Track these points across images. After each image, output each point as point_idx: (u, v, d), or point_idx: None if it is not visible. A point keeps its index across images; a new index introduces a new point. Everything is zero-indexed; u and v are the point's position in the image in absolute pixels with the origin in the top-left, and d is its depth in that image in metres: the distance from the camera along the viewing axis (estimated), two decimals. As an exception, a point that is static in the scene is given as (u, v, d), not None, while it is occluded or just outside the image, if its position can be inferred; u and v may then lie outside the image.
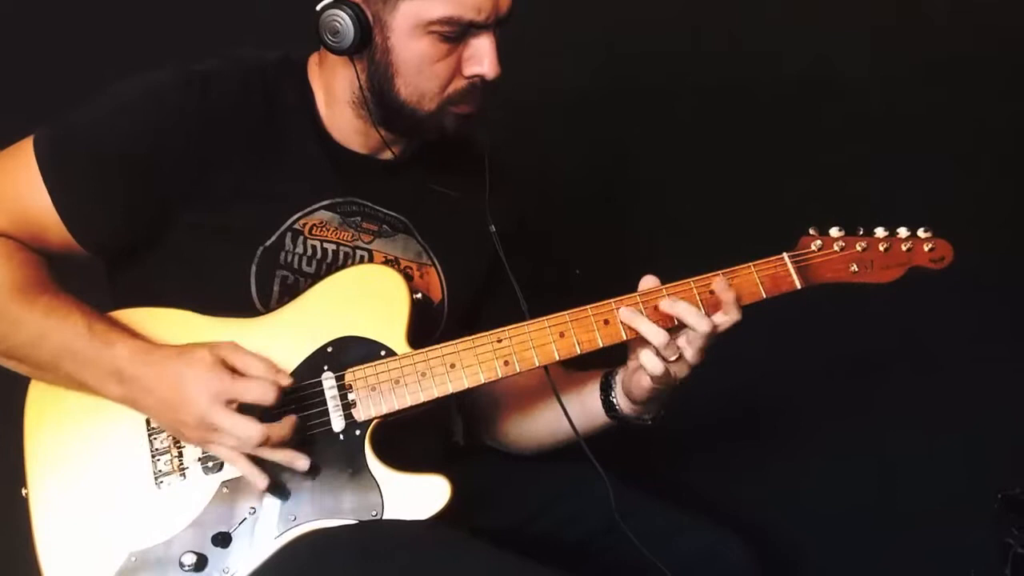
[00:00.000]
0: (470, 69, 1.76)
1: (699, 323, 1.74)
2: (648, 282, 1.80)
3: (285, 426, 1.66)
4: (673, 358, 1.76)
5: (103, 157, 1.73)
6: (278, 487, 1.68)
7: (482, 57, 1.74)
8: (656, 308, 1.77)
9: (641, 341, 1.77)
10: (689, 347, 1.76)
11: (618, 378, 1.89)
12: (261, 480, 1.66)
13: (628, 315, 1.76)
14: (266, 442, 1.63)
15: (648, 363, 1.75)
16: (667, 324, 1.76)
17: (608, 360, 1.88)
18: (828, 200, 2.52)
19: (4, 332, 1.70)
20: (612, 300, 1.78)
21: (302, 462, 1.67)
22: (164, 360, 1.66)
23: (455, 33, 1.72)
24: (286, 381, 1.67)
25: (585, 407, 1.92)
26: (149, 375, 1.65)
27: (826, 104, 2.71)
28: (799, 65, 2.71)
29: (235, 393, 1.63)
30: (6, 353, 1.72)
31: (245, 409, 1.64)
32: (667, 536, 1.90)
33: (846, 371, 2.66)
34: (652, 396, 1.83)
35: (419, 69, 1.75)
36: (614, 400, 1.89)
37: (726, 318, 1.76)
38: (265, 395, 1.63)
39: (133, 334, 1.70)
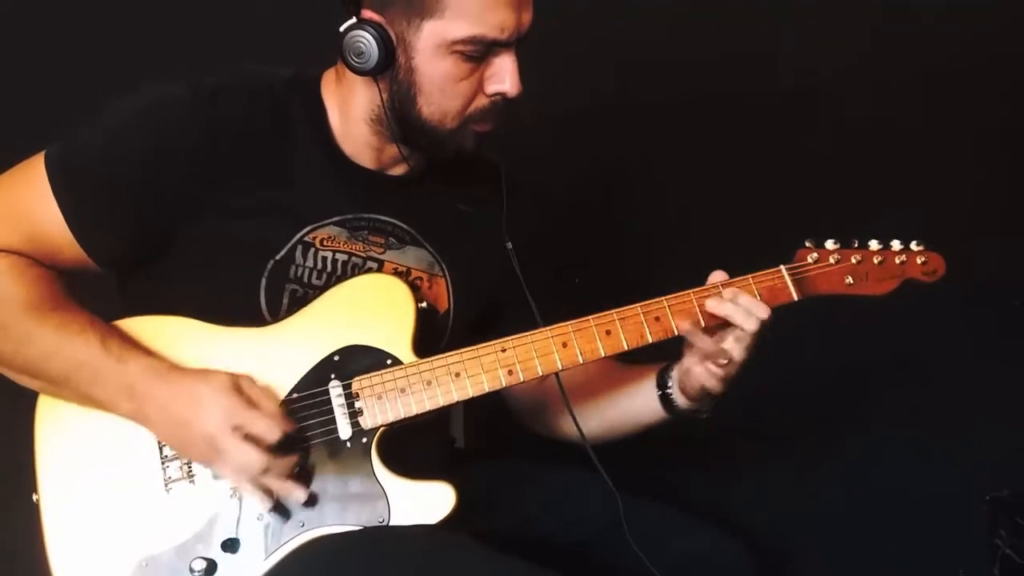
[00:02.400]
0: (492, 87, 1.76)
1: (746, 321, 1.77)
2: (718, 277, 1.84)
3: (287, 462, 1.69)
4: (724, 361, 1.79)
5: (112, 174, 1.74)
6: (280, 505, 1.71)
7: (504, 75, 1.75)
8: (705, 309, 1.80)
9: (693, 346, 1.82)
10: (737, 345, 1.79)
11: (674, 374, 1.90)
12: (266, 501, 1.68)
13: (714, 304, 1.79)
14: (266, 472, 1.66)
15: (732, 348, 1.79)
16: (711, 324, 1.80)
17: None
18: (824, 213, 2.51)
19: (16, 347, 1.71)
20: (614, 311, 1.80)
21: (299, 493, 1.69)
22: (181, 378, 1.68)
23: (478, 52, 1.73)
24: (291, 426, 1.69)
25: (643, 402, 1.93)
26: (162, 391, 1.67)
27: (821, 119, 2.73)
28: (795, 79, 2.73)
29: (244, 420, 1.65)
30: (20, 368, 1.73)
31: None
32: (666, 538, 1.93)
33: (840, 378, 2.68)
34: (705, 395, 1.85)
35: (442, 88, 1.75)
36: (671, 395, 1.91)
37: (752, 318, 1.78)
38: (270, 432, 1.65)
39: (148, 352, 1.72)
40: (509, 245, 1.88)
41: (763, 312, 1.78)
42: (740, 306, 1.78)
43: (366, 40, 1.72)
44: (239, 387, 1.68)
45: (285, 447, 1.68)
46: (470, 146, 1.83)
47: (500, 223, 1.89)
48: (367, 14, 1.74)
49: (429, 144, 1.83)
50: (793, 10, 2.71)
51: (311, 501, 1.71)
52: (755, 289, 1.82)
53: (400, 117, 1.79)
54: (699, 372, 1.82)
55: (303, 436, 1.72)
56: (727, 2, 2.71)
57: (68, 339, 1.69)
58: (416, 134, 1.81)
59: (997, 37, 2.76)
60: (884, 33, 2.75)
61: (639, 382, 1.97)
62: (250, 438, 1.65)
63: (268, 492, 1.68)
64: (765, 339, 1.80)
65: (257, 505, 1.69)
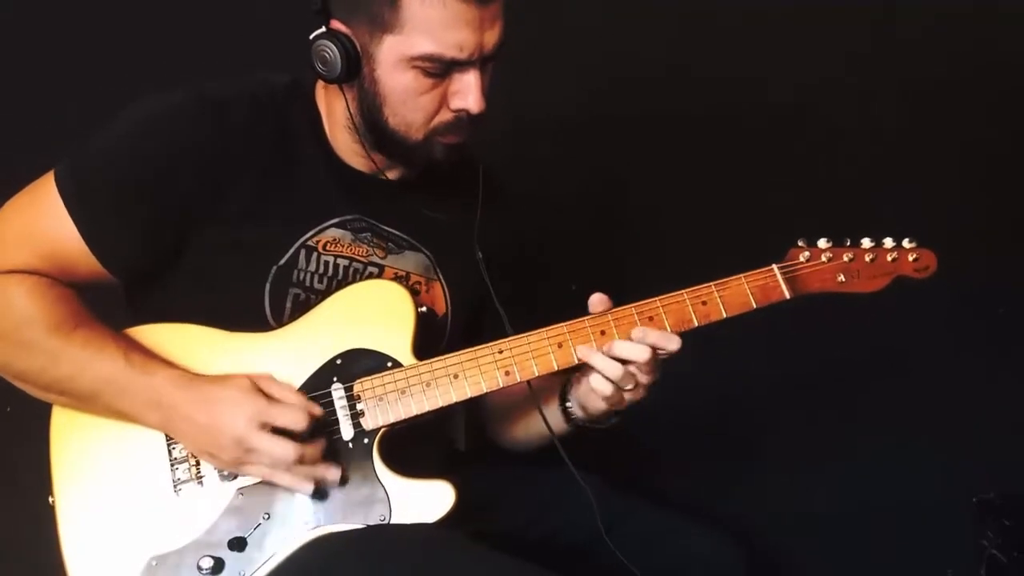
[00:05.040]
0: (455, 103, 1.77)
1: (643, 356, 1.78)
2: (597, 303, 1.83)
3: (317, 445, 1.72)
4: (629, 386, 1.80)
5: (122, 185, 1.75)
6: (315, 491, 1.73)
7: (467, 93, 1.76)
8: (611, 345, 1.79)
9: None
10: (642, 375, 1.81)
11: (573, 392, 1.91)
12: (307, 486, 1.71)
13: (584, 352, 1.80)
14: (301, 461, 1.69)
15: (599, 387, 1.79)
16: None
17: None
18: (816, 214, 2.51)
19: (44, 366, 1.72)
20: (609, 311, 1.82)
21: (334, 473, 1.72)
22: (202, 386, 1.71)
23: (437, 70, 1.74)
24: (318, 411, 1.73)
25: (549, 415, 1.91)
26: (187, 401, 1.69)
27: (810, 125, 2.76)
28: (783, 89, 2.76)
29: (270, 416, 1.68)
30: (47, 387, 1.75)
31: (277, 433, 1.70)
32: (656, 538, 1.96)
33: (829, 379, 2.70)
34: (609, 413, 1.87)
35: (404, 101, 1.77)
36: (571, 410, 1.92)
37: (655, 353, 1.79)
38: (298, 421, 1.69)
39: (170, 363, 1.74)
40: (480, 255, 1.90)
41: (675, 344, 1.79)
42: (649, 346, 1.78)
43: (330, 50, 1.75)
44: (258, 386, 1.71)
45: (313, 432, 1.72)
46: (440, 157, 1.85)
47: (488, 228, 1.93)
48: (335, 24, 1.78)
49: (401, 153, 1.85)
50: (791, 16, 2.74)
51: (317, 499, 1.74)
52: (747, 287, 1.83)
53: (369, 125, 1.82)
54: (599, 387, 1.81)
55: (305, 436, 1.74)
56: (723, 12, 2.74)
57: (93, 356, 1.71)
58: (387, 143, 1.83)
59: (987, 46, 2.80)
60: (876, 41, 2.78)
61: (547, 398, 1.95)
62: (279, 431, 1.68)
63: (307, 479, 1.71)
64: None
65: (266, 504, 1.73)
